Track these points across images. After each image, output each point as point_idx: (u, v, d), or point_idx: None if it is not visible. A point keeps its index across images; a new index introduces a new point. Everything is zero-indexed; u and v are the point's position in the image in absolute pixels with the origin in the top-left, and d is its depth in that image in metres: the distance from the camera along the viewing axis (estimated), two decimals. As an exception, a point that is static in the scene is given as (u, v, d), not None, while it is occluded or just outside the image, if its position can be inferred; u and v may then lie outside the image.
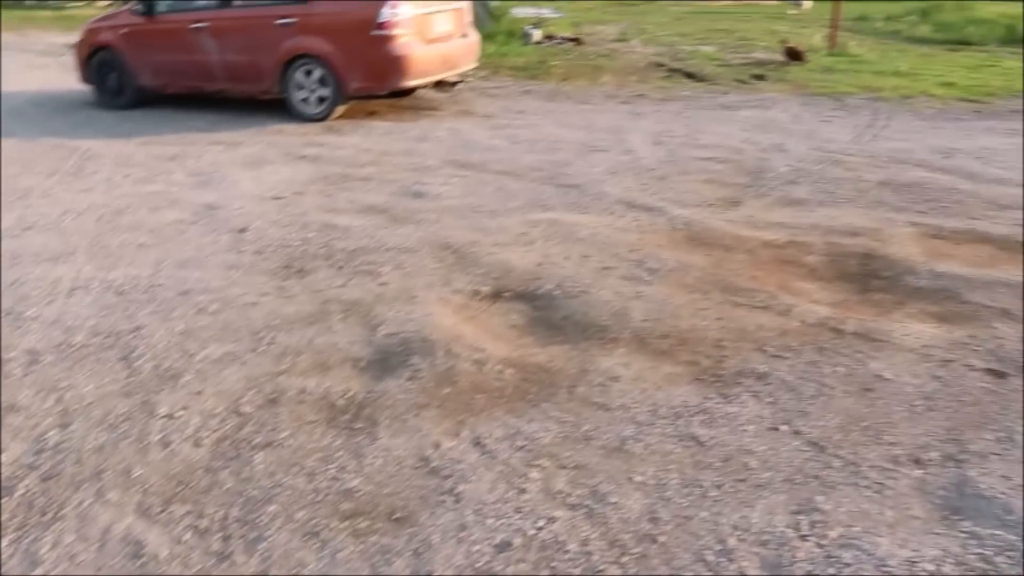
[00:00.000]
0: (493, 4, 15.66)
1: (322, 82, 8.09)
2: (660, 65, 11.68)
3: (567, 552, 2.35)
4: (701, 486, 2.61)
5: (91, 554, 2.38)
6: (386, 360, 3.36)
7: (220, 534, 2.44)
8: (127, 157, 6.95)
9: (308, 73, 8.13)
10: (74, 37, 10.03)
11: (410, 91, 8.84)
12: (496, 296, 3.96)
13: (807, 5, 24.68)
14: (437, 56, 8.38)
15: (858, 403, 3.05)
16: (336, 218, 5.14)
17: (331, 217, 5.16)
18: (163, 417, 3.02)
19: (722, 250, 4.50)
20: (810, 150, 6.82)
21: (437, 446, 2.82)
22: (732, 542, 2.37)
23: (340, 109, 8.24)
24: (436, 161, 6.51)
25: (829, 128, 7.83)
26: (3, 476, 2.72)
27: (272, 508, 2.54)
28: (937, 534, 2.40)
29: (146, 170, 6.51)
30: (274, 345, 3.53)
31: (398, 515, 2.50)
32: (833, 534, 2.39)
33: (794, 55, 11.96)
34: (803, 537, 2.39)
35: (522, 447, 2.81)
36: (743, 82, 10.55)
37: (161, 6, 8.81)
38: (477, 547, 2.37)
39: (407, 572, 2.29)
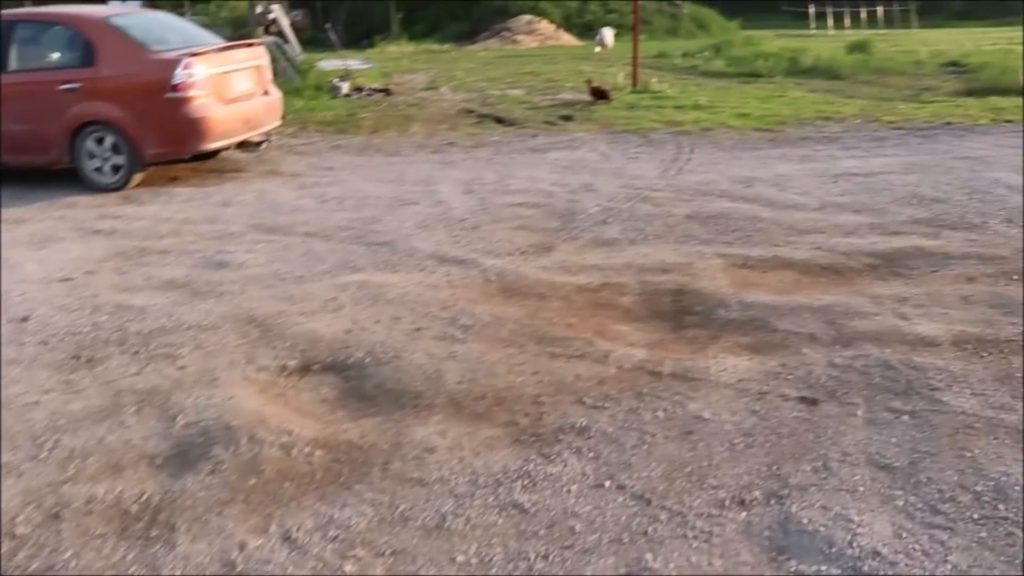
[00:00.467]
0: (299, 59, 15.43)
1: (115, 149, 7.65)
2: (470, 111, 11.78)
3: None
4: (527, 559, 2.52)
5: None
6: (185, 454, 3.12)
7: None
8: None
9: (100, 141, 7.66)
10: None
11: (213, 154, 8.51)
12: (304, 370, 3.78)
13: (610, 43, 25.70)
14: (238, 116, 8.10)
15: (680, 448, 3.06)
16: (132, 297, 4.80)
17: (126, 297, 4.82)
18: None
19: (536, 299, 4.49)
20: (619, 188, 6.99)
21: (243, 547, 2.61)
22: (555, 617, 2.29)
23: (138, 177, 7.81)
24: (241, 227, 6.24)
25: (636, 165, 8.07)
26: None
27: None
28: (758, 580, 2.40)
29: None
30: (58, 449, 3.21)
31: (197, 634, 2.28)
32: (656, 594, 2.35)
33: (600, 94, 12.34)
34: (626, 601, 2.33)
35: (336, 537, 2.64)
36: (552, 124, 10.77)
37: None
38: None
39: None
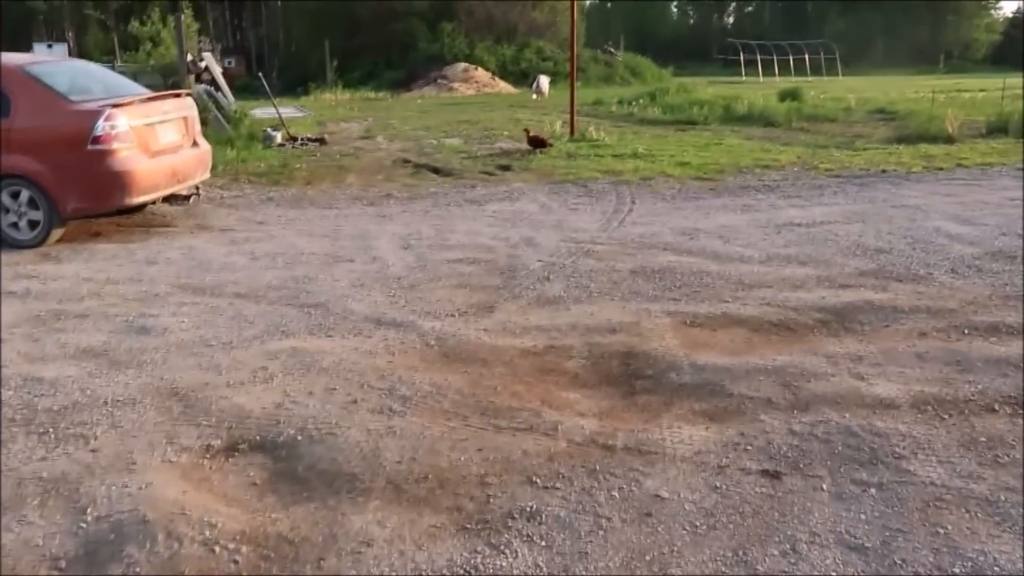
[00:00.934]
0: (232, 107, 15.12)
1: (32, 204, 7.25)
2: (406, 161, 11.60)
3: None
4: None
5: None
6: (94, 555, 2.79)
7: None
8: None
9: (15, 195, 7.25)
10: None
11: (139, 208, 8.16)
12: (231, 450, 3.48)
13: (546, 91, 25.86)
14: (164, 169, 7.78)
15: (639, 533, 2.84)
16: (43, 369, 4.44)
17: (37, 368, 4.46)
18: None
19: (479, 365, 4.25)
20: (561, 242, 6.82)
21: (155, 666, 2.31)
22: None
23: (57, 233, 7.42)
24: (166, 287, 5.91)
25: (577, 217, 7.92)
26: None
27: None
28: None
29: None
30: (-52, 552, 2.86)
31: None
32: None
33: (539, 143, 12.26)
34: None
35: (261, 651, 2.35)
36: (490, 174, 10.62)
37: None
38: None
39: None
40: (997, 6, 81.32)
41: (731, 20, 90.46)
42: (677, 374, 4.10)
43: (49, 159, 7.17)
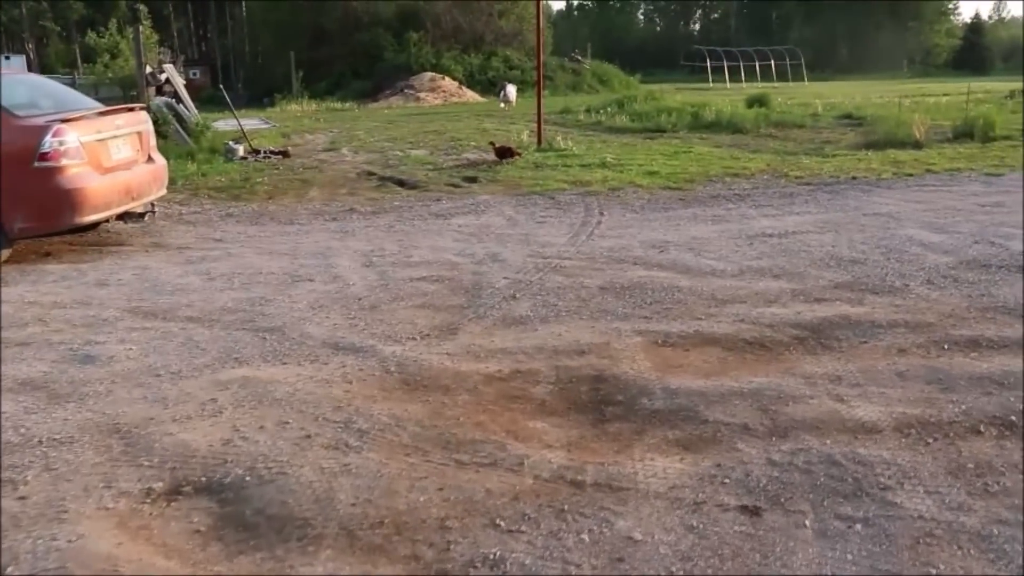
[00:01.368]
0: (194, 120, 14.81)
1: (-23, 225, 6.96)
2: (371, 174, 11.37)
3: None
4: None
5: None
6: (15, 619, 2.55)
7: None
8: None
9: (-42, 215, 6.97)
10: None
11: (92, 226, 7.88)
12: (173, 493, 3.23)
13: (513, 100, 25.71)
14: (117, 186, 7.51)
15: (609, 580, 2.63)
16: (-24, 404, 4.17)
17: (-30, 404, 4.19)
18: None
19: (441, 393, 4.03)
20: (527, 257, 6.62)
21: None
22: None
23: (4, 254, 7.10)
24: (116, 311, 5.64)
25: (545, 230, 7.73)
26: None
27: None
28: None
29: None
30: None
31: None
32: None
33: (505, 153, 12.08)
34: None
35: None
36: (456, 186, 10.42)
37: None
38: None
39: None
40: (956, 12, 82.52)
41: (697, 27, 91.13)
42: (649, 399, 3.90)
43: (-6, 177, 6.88)
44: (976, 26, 78.03)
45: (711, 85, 41.06)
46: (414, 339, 4.79)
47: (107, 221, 7.95)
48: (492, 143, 12.63)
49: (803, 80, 46.46)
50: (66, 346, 4.98)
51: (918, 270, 6.04)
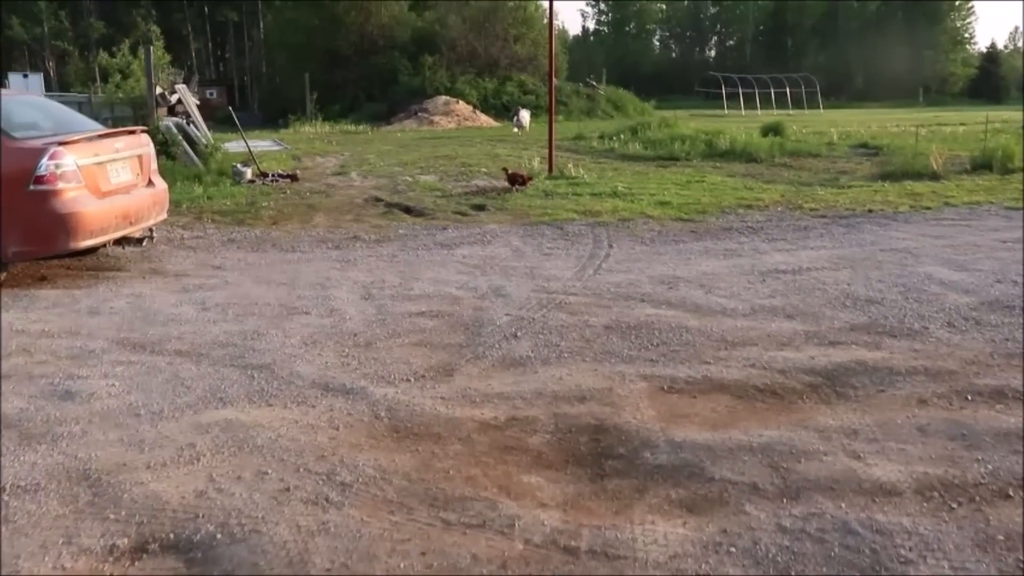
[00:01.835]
0: (205, 141, 14.71)
1: (-30, 248, 6.80)
2: (378, 200, 11.21)
3: None
4: None
5: None
6: None
7: None
8: None
9: (-49, 238, 6.81)
10: None
11: (89, 251, 7.71)
12: (138, 551, 3.00)
13: (527, 125, 25.60)
14: (115, 211, 7.34)
15: (597, 664, 2.39)
16: (-54, 444, 3.97)
17: (-61, 442, 3.99)
18: None
19: (432, 442, 3.80)
20: (532, 292, 6.41)
21: None
22: None
23: (-1, 278, 6.96)
24: (104, 342, 5.44)
25: (551, 263, 7.52)
26: None
27: None
28: None
29: None
30: None
31: None
32: None
33: (516, 179, 11.91)
34: None
35: None
36: (463, 214, 10.23)
37: None
38: None
39: None
40: (972, 41, 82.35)
41: (713, 54, 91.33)
42: (652, 453, 3.66)
43: (-13, 200, 6.72)
44: (992, 55, 77.91)
45: (726, 112, 40.92)
46: (408, 380, 4.57)
47: (104, 246, 7.78)
48: (505, 169, 12.46)
49: (818, 107, 46.29)
50: (47, 380, 4.78)
51: (938, 311, 5.79)
